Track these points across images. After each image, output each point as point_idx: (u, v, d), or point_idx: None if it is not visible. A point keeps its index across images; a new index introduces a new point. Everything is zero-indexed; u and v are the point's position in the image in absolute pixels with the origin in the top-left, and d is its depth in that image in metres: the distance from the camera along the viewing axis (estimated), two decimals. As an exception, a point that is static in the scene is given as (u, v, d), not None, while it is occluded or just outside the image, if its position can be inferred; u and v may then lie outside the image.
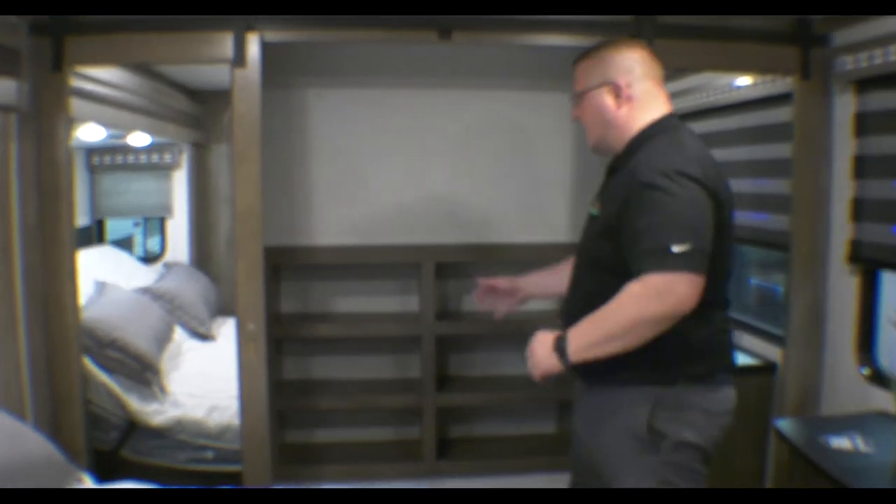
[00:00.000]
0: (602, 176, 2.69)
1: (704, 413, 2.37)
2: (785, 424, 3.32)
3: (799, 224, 3.78)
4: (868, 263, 3.58)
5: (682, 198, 2.19)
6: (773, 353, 4.15)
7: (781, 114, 4.03)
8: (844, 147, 3.67)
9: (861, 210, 3.59)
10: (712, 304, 2.30)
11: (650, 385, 2.36)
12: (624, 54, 2.51)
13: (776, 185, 4.13)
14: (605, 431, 2.48)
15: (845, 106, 3.66)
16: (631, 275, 2.19)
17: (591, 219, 2.56)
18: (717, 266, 2.26)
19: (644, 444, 2.36)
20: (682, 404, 2.36)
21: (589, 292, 2.42)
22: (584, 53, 2.61)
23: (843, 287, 3.73)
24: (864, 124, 3.56)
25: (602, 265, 2.42)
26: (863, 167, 3.58)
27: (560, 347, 2.33)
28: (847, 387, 3.71)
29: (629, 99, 2.47)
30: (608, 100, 2.50)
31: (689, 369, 2.36)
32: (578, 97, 2.60)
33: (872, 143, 3.51)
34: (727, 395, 2.43)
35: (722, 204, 2.29)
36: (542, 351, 2.40)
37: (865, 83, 3.54)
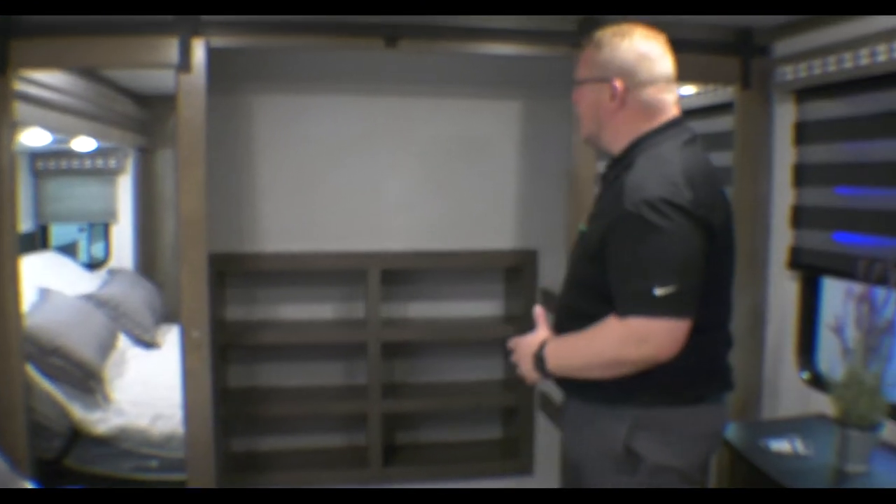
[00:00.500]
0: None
1: (686, 436, 2.28)
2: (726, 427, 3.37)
3: (740, 230, 3.78)
4: (807, 269, 3.65)
5: (667, 233, 2.08)
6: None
7: (724, 122, 4.10)
8: (785, 155, 3.74)
9: (801, 217, 3.66)
10: (706, 328, 2.21)
11: (630, 406, 2.26)
12: (629, 49, 2.30)
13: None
14: (584, 444, 2.42)
15: (785, 115, 3.73)
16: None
17: (580, 236, 2.45)
18: (711, 290, 2.22)
19: (621, 464, 2.28)
20: (662, 426, 2.27)
21: (577, 312, 2.34)
22: (592, 37, 2.41)
23: (784, 292, 3.80)
24: (804, 133, 3.64)
25: (588, 286, 2.34)
26: (802, 175, 3.65)
27: (538, 361, 2.37)
28: (788, 390, 3.78)
29: (625, 104, 2.31)
30: (604, 98, 2.33)
31: (673, 392, 2.26)
32: (577, 83, 2.44)
33: (811, 151, 3.59)
34: (714, 415, 2.36)
35: (714, 228, 2.17)
36: (525, 360, 2.44)
37: (805, 93, 3.60)
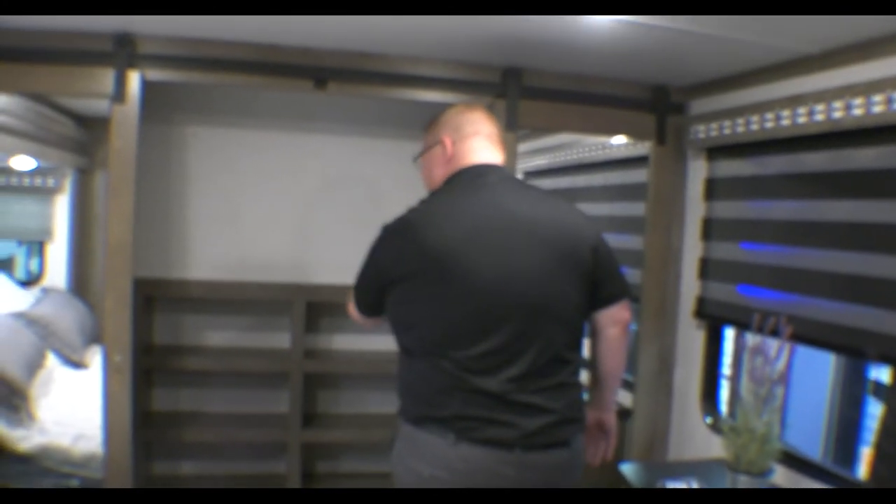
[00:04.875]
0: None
1: (407, 452, 2.46)
2: (628, 468, 3.48)
3: (650, 278, 4.00)
4: (712, 319, 3.81)
5: (370, 252, 2.56)
6: (627, 399, 4.35)
7: (642, 174, 4.27)
8: (696, 209, 3.89)
9: (708, 269, 3.82)
10: (414, 352, 2.45)
11: (400, 418, 2.53)
12: (455, 116, 2.67)
13: (634, 241, 4.35)
14: None
15: (697, 171, 3.90)
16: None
17: None
18: (404, 312, 2.48)
19: (393, 472, 2.54)
20: (402, 438, 2.49)
21: None
22: (430, 119, 2.77)
23: (692, 340, 3.95)
24: (713, 189, 3.80)
25: None
26: (711, 229, 3.81)
27: None
28: (693, 434, 3.92)
29: (452, 155, 2.60)
30: (438, 156, 2.64)
31: (404, 409, 2.50)
32: (421, 157, 2.75)
33: (720, 207, 3.75)
34: (433, 445, 2.38)
35: (407, 260, 2.41)
36: None
37: (715, 151, 3.78)
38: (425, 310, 2.40)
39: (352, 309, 2.75)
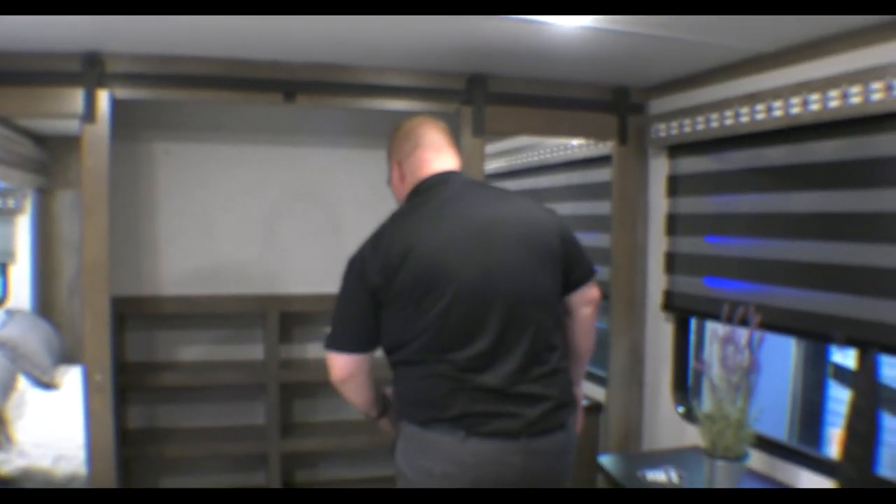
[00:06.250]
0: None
1: (414, 451, 2.50)
2: (607, 459, 3.57)
3: (618, 275, 4.10)
4: (680, 312, 3.91)
5: (342, 286, 2.56)
6: (601, 393, 4.44)
7: (605, 173, 4.35)
8: (659, 205, 3.99)
9: (674, 263, 3.92)
10: (413, 361, 2.48)
11: (401, 421, 2.58)
12: (399, 133, 2.76)
13: (600, 239, 4.44)
14: None
15: (659, 169, 3.99)
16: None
17: None
18: (398, 331, 2.49)
19: (399, 471, 2.58)
20: (405, 438, 2.54)
21: None
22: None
23: (661, 333, 4.04)
24: (675, 186, 3.91)
25: None
26: (674, 224, 3.91)
27: None
28: (666, 424, 4.02)
29: (405, 173, 2.70)
30: (395, 176, 2.75)
31: (406, 413, 2.54)
32: (388, 183, 2.83)
33: (682, 202, 3.86)
34: (443, 443, 2.43)
35: (390, 278, 2.43)
36: None
37: (676, 149, 3.88)
38: (420, 323, 2.44)
39: (340, 363, 2.61)
